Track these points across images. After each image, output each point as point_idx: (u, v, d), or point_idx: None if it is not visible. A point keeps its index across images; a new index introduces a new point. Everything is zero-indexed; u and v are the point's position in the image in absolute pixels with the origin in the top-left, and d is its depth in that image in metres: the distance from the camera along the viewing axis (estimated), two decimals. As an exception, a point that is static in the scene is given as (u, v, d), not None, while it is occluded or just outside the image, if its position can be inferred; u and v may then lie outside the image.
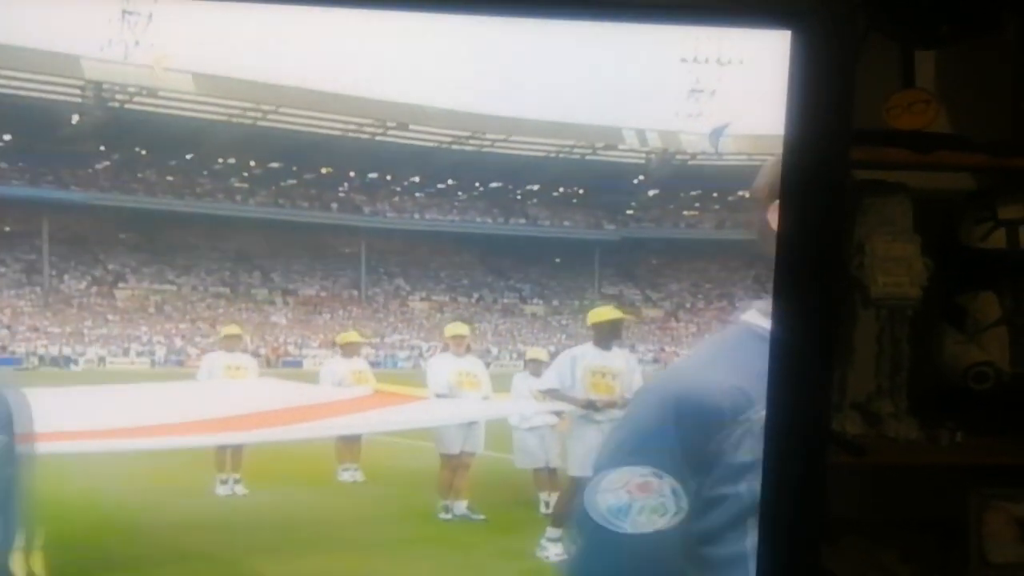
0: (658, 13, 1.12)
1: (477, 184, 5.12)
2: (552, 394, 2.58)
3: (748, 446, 1.03)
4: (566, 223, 5.45)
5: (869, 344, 1.91)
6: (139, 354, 3.24)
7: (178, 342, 3.34)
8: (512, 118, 4.12)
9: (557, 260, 5.92)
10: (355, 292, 3.45)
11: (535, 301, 5.26)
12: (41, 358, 2.75)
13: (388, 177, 3.92)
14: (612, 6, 1.11)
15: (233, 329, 3.05)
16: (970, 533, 1.89)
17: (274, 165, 3.31)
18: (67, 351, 2.82)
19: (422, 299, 4.39)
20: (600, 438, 2.41)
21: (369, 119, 3.25)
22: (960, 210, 2.00)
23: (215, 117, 2.95)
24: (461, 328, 2.87)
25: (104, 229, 3.10)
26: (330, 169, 3.54)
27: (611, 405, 2.52)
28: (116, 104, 2.75)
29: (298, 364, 4.30)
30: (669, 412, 1.05)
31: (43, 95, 2.49)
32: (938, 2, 1.81)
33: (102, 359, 2.96)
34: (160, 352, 3.29)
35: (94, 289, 3.07)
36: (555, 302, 5.47)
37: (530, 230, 5.45)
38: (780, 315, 1.04)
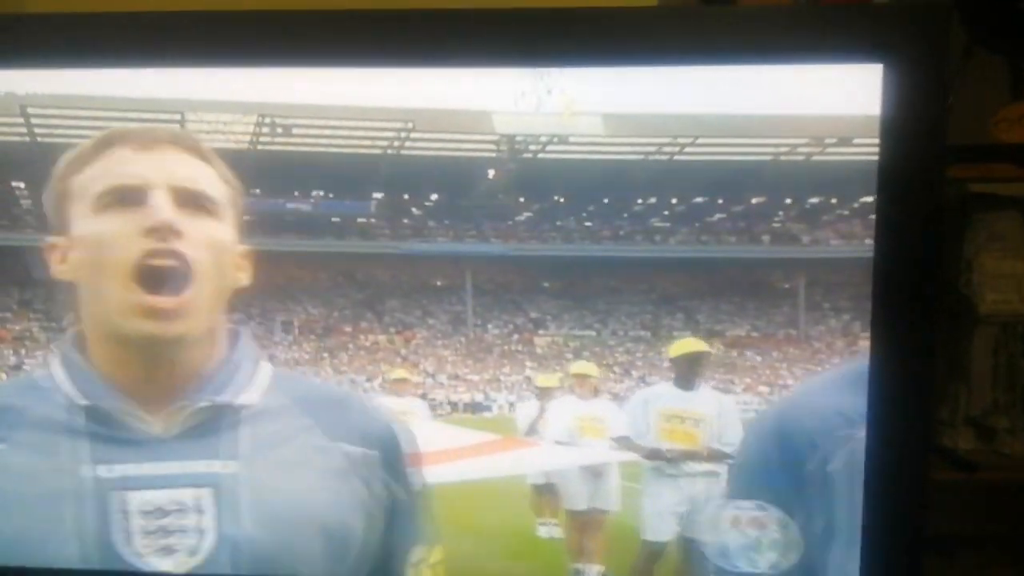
0: (746, 54, 1.17)
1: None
2: (623, 443, 2.15)
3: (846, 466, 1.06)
4: None
5: (986, 358, 1.96)
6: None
7: (590, 388, 3.33)
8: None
9: None
10: (792, 332, 3.09)
11: None
12: (454, 404, 2.89)
13: (833, 200, 3.54)
14: (702, 51, 1.18)
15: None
16: (1086, 551, 1.86)
17: (697, 200, 3.15)
18: (479, 397, 2.92)
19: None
20: (678, 496, 2.00)
21: (805, 137, 2.96)
22: (1076, 223, 1.91)
23: (630, 157, 2.90)
24: (587, 367, 2.47)
25: (525, 278, 3.18)
26: (762, 198, 3.28)
27: (689, 456, 2.05)
28: (529, 155, 2.83)
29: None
30: (769, 439, 1.13)
31: (461, 153, 2.65)
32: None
33: (512, 404, 3.03)
34: (570, 398, 3.30)
35: (515, 337, 3.15)
36: None
37: None
38: (880, 336, 1.10)
